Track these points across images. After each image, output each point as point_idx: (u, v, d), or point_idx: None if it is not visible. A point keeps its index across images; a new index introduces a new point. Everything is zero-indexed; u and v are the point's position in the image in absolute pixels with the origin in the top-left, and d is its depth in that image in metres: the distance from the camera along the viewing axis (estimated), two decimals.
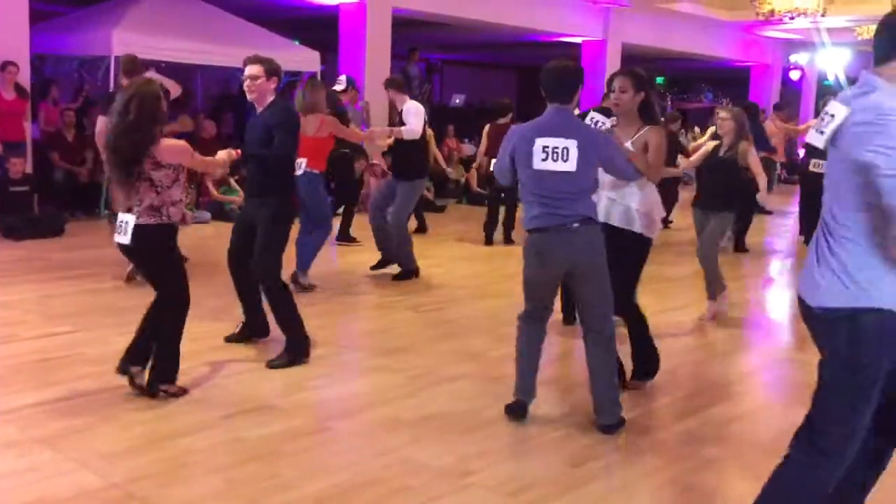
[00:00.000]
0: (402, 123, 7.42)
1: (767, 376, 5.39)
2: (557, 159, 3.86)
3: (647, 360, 4.71)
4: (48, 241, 8.47)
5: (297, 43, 12.75)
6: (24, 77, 9.24)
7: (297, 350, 4.97)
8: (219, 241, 9.31)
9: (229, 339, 5.32)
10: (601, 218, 4.22)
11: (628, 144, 4.34)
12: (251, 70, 5.00)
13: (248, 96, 5.09)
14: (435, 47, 19.93)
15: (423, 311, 6.40)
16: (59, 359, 4.88)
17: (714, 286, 6.30)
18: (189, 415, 4.12)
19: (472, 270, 8.03)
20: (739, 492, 3.62)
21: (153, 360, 4.33)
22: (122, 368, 4.32)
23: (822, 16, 14.86)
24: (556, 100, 3.99)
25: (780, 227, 11.71)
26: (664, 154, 4.41)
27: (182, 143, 4.34)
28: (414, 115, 7.28)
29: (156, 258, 4.33)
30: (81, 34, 10.56)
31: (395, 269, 7.43)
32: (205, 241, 8.99)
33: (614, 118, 4.42)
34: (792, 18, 15.16)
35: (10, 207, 8.78)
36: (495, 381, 4.70)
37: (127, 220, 4.17)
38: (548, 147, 3.88)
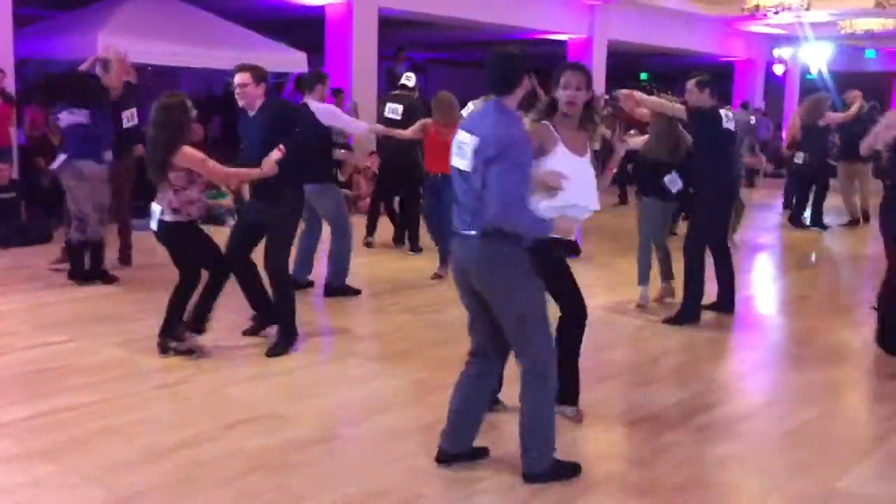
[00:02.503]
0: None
1: (769, 374, 5.38)
2: (463, 156, 3.38)
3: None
4: (36, 248, 8.33)
5: (282, 44, 12.65)
6: (9, 82, 9.11)
7: (289, 340, 5.25)
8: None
9: (247, 333, 5.50)
10: None
11: (585, 161, 3.85)
12: (240, 78, 5.20)
13: (240, 102, 5.27)
14: (420, 47, 19.87)
15: (420, 313, 6.35)
16: (55, 369, 4.80)
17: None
18: (191, 425, 4.05)
19: None
20: (757, 488, 3.60)
21: (162, 325, 5.00)
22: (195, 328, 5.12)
23: (806, 10, 14.95)
24: (490, 90, 3.45)
25: (767, 222, 11.74)
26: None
27: (198, 152, 4.86)
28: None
29: (175, 249, 5.01)
30: (66, 38, 10.43)
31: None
32: None
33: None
34: (776, 13, 15.25)
35: None
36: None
37: (154, 210, 4.92)
38: (461, 143, 3.41)
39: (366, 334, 5.89)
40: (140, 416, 4.14)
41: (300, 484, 3.50)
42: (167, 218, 4.88)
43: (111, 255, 7.27)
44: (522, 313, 3.40)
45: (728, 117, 6.02)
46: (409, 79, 8.97)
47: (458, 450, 3.67)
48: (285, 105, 5.78)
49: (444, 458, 3.67)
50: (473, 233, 3.36)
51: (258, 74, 5.22)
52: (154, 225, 4.96)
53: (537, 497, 3.42)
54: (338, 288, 6.72)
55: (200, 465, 3.63)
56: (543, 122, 3.84)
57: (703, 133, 5.94)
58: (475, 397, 3.64)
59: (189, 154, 4.82)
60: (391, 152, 8.67)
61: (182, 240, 4.98)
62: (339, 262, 6.75)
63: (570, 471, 3.59)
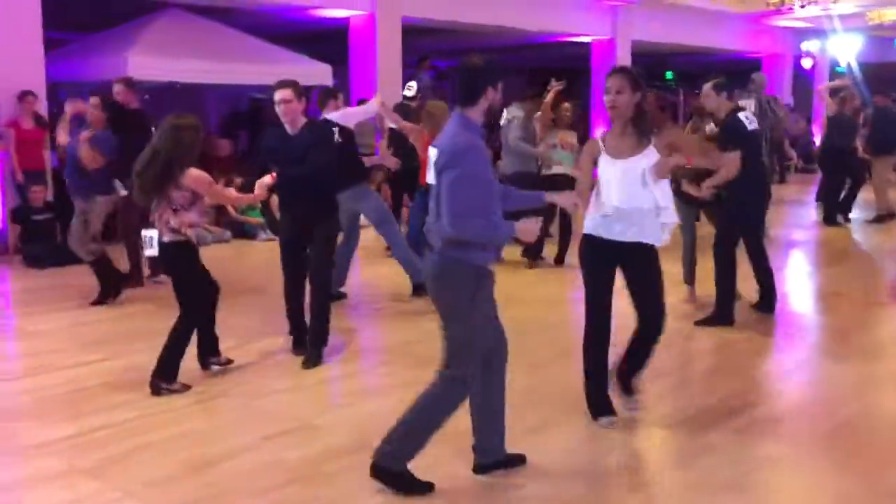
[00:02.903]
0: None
1: (808, 372, 5.30)
2: (430, 170, 3.39)
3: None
4: (71, 268, 8.45)
5: (307, 57, 12.76)
6: (41, 105, 9.28)
7: (321, 350, 5.26)
8: (239, 262, 9.37)
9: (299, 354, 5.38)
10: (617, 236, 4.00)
11: (627, 163, 3.96)
12: (283, 94, 5.15)
13: (284, 119, 5.22)
14: (444, 54, 19.91)
15: (404, 320, 6.33)
16: (95, 387, 4.86)
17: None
18: (229, 438, 4.09)
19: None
20: (800, 488, 3.55)
21: (157, 366, 4.74)
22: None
23: (834, 2, 14.76)
24: (456, 102, 3.39)
25: (801, 218, 11.59)
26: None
27: (206, 175, 4.73)
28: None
29: (176, 271, 4.83)
30: (96, 60, 10.60)
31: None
32: (224, 262, 8.97)
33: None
34: (803, 6, 15.08)
35: (33, 236, 8.80)
36: (531, 390, 4.64)
37: (152, 235, 4.77)
38: (431, 157, 3.41)
39: (395, 343, 5.90)
40: (178, 431, 4.18)
41: (336, 494, 3.52)
42: (166, 239, 4.71)
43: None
44: (455, 336, 3.38)
45: (749, 119, 5.98)
46: (409, 89, 8.93)
47: (490, 459, 3.64)
48: (329, 124, 5.90)
49: (480, 469, 3.64)
50: (435, 248, 3.37)
51: (299, 90, 5.21)
52: (154, 251, 4.86)
53: (579, 501, 3.40)
54: (418, 284, 6.67)
55: (238, 477, 3.66)
56: (594, 137, 4.06)
57: (731, 144, 5.88)
58: (485, 405, 3.60)
59: (197, 176, 4.66)
60: (400, 159, 8.65)
61: (181, 260, 4.78)
62: (409, 257, 6.75)
63: (416, 486, 3.45)
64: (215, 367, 5.05)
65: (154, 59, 10.14)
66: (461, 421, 4.18)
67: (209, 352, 5.06)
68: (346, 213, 6.45)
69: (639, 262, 4.09)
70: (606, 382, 4.21)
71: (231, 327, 5.56)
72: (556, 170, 7.91)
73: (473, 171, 3.24)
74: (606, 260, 4.11)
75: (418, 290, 6.67)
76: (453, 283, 3.34)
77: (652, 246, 4.09)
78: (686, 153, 3.99)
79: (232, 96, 15.42)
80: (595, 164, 4.14)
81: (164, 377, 4.71)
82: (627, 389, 4.31)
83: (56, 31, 11.49)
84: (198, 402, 4.62)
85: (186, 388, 4.73)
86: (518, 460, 3.72)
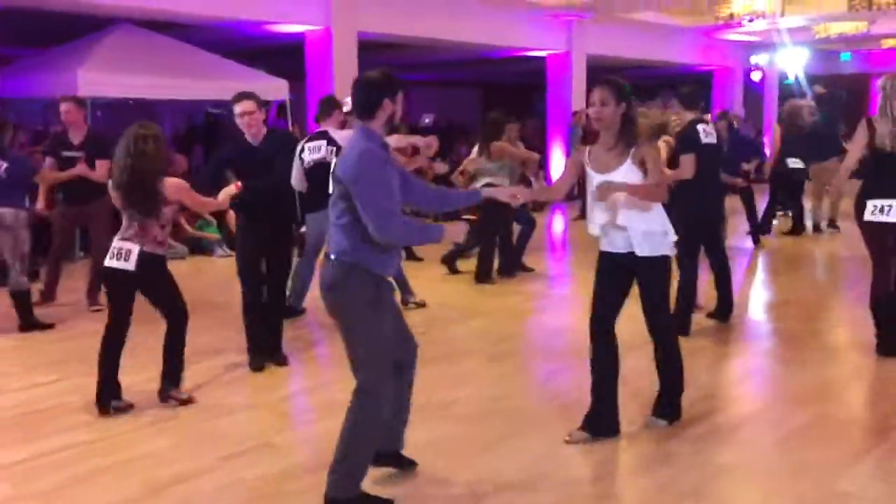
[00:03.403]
0: None
1: (763, 379, 5.39)
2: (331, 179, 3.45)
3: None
4: None
5: (263, 72, 12.69)
6: None
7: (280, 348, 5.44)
8: (198, 278, 9.24)
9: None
10: (609, 247, 4.06)
11: (607, 178, 3.96)
12: (246, 106, 5.15)
13: (248, 131, 5.21)
14: (400, 68, 19.96)
15: (413, 333, 6.31)
16: (47, 410, 4.75)
17: None
18: (186, 459, 4.02)
19: (456, 289, 7.97)
20: (758, 494, 3.60)
21: (164, 371, 4.75)
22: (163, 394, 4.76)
23: (781, 16, 15.11)
24: (355, 115, 3.50)
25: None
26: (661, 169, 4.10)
27: (182, 181, 4.72)
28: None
29: (157, 285, 4.72)
30: (46, 76, 10.41)
31: None
32: (181, 278, 8.80)
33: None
34: (751, 20, 15.41)
35: None
36: (492, 401, 4.65)
37: (129, 249, 4.53)
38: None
39: None
40: (134, 453, 4.10)
41: None
42: (150, 250, 4.58)
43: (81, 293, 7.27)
44: (360, 348, 3.41)
45: (706, 132, 6.07)
46: (346, 104, 8.82)
47: (388, 447, 3.71)
48: (289, 134, 6.00)
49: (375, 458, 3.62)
50: (332, 256, 3.40)
51: (259, 101, 5.24)
52: (131, 265, 4.54)
53: None
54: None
55: (197, 499, 3.60)
56: (580, 147, 4.13)
57: (685, 151, 5.97)
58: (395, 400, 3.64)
59: (175, 184, 4.64)
60: None
61: (164, 271, 4.74)
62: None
63: None
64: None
65: (106, 75, 10.00)
66: (424, 435, 4.18)
67: (173, 381, 4.85)
68: (321, 231, 6.43)
69: (643, 274, 4.10)
70: (605, 401, 4.14)
71: (188, 344, 5.47)
72: (483, 181, 7.93)
73: (379, 177, 3.30)
74: (615, 273, 4.12)
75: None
76: (351, 290, 3.36)
77: (659, 258, 4.06)
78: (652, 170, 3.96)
79: (187, 112, 15.27)
80: (581, 172, 4.19)
81: (174, 383, 4.77)
82: (660, 414, 4.32)
83: (4, 48, 11.29)
84: (154, 422, 4.54)
85: (191, 399, 4.77)
86: (410, 464, 3.79)
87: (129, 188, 4.53)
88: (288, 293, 6.38)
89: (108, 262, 4.59)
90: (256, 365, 5.33)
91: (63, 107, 7.23)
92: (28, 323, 6.55)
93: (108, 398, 4.62)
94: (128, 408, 4.66)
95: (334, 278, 3.38)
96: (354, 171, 3.28)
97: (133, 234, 4.57)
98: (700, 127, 6.05)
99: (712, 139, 6.08)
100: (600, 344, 4.15)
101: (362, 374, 3.41)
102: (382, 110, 3.39)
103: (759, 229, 10.39)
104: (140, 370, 5.08)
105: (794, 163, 10.72)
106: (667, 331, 4.29)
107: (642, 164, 3.98)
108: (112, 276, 4.62)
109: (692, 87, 6.33)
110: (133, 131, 4.57)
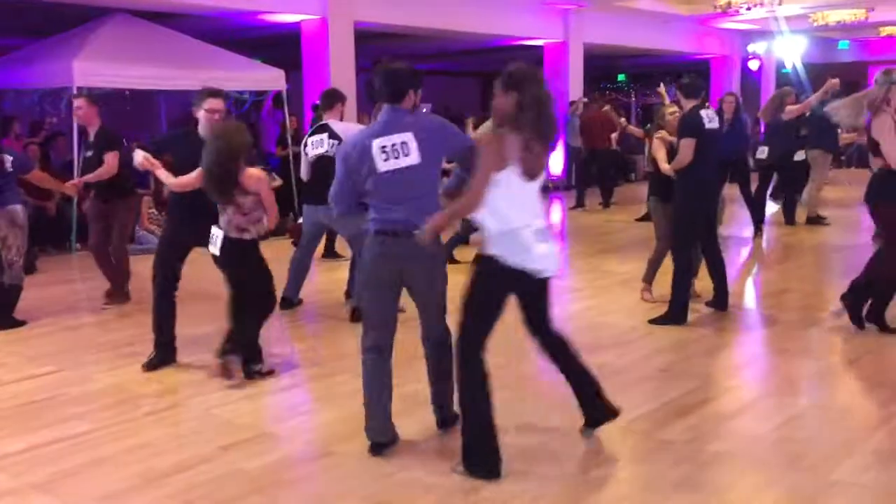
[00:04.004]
0: None
1: (758, 368, 5.41)
2: (399, 156, 3.69)
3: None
4: None
5: (260, 62, 12.66)
6: None
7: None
8: (195, 268, 9.21)
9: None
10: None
11: None
12: (216, 104, 5.10)
13: (206, 127, 5.05)
14: (397, 58, 19.89)
15: (409, 326, 6.31)
16: (45, 401, 4.76)
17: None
18: (185, 449, 4.04)
19: (451, 281, 7.96)
20: (752, 484, 3.62)
21: (243, 351, 4.98)
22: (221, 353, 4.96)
23: (779, 4, 15.06)
24: (385, 100, 3.82)
25: (747, 216, 11.79)
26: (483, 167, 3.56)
27: (262, 173, 4.94)
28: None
29: (241, 268, 4.95)
30: (41, 67, 10.37)
31: None
32: None
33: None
34: (749, 9, 15.36)
35: None
36: None
37: (216, 234, 4.88)
38: (385, 146, 3.70)
39: (352, 349, 5.83)
40: (133, 444, 4.12)
41: (296, 502, 3.49)
42: (234, 236, 4.85)
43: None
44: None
45: (709, 117, 6.10)
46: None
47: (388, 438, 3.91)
48: (326, 130, 6.37)
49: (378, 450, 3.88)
50: (417, 232, 3.69)
51: (226, 101, 5.28)
52: (216, 249, 4.89)
53: (537, 503, 3.43)
54: None
55: (196, 489, 3.62)
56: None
57: (685, 134, 5.99)
58: (382, 382, 3.94)
59: (255, 175, 4.84)
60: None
61: (247, 257, 4.93)
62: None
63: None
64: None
65: (101, 65, 9.97)
66: (421, 426, 4.20)
67: (255, 358, 5.09)
68: (314, 223, 6.43)
69: None
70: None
71: (186, 335, 5.49)
72: None
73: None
74: None
75: (356, 313, 6.42)
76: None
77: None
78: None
79: (183, 102, 15.20)
80: None
81: (254, 359, 5.01)
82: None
83: None
84: (152, 412, 4.56)
85: (272, 372, 5.07)
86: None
87: (205, 175, 4.78)
88: (285, 284, 6.38)
89: (209, 247, 4.99)
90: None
91: (76, 103, 7.18)
92: (5, 320, 6.41)
93: (251, 365, 5.02)
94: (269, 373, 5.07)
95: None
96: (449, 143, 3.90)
97: (223, 221, 4.86)
98: (703, 112, 6.08)
99: (714, 124, 6.11)
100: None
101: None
102: (408, 99, 3.81)
103: (762, 218, 10.44)
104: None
105: (762, 153, 10.69)
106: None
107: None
108: (214, 259, 5.01)
109: (692, 76, 6.35)
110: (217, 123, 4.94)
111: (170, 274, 5.27)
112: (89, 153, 7.12)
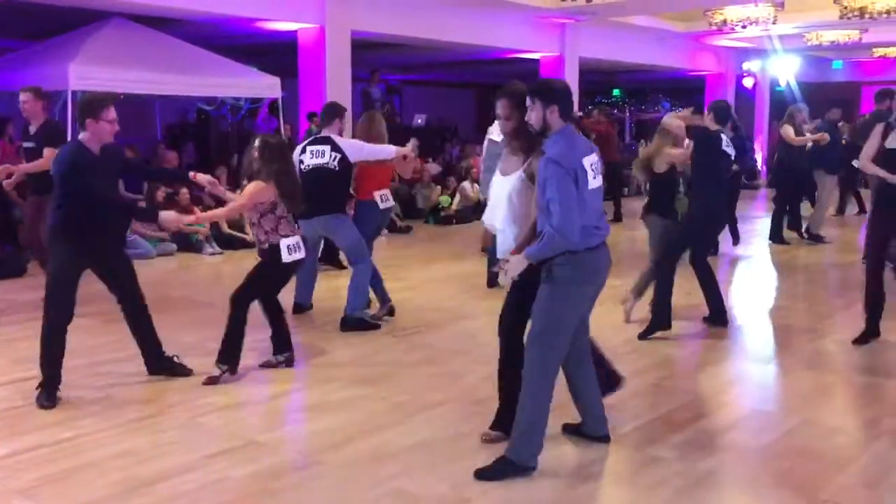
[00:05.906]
0: None
1: (749, 385, 5.39)
2: (596, 175, 3.80)
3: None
4: (9, 281, 8.23)
5: (256, 69, 12.65)
6: None
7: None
8: (185, 275, 9.23)
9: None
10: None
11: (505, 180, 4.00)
12: (113, 114, 4.77)
13: (110, 137, 4.83)
14: (393, 68, 19.94)
15: (401, 335, 6.31)
16: (29, 405, 4.70)
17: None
18: (170, 456, 3.99)
19: (445, 292, 7.96)
20: (740, 502, 3.60)
21: (278, 344, 5.41)
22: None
23: (773, 23, 15.14)
24: (569, 118, 3.81)
25: (746, 233, 11.81)
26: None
27: (252, 188, 5.14)
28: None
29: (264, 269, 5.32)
30: (36, 69, 10.33)
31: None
32: (168, 275, 8.83)
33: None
34: (744, 27, 15.43)
35: None
36: (478, 404, 4.63)
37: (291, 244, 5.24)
38: (593, 164, 3.79)
39: (345, 358, 5.83)
40: (117, 450, 4.07)
41: None
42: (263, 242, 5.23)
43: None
44: None
45: (727, 142, 6.27)
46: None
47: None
48: (326, 142, 6.36)
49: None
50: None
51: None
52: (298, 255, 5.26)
53: None
54: (357, 320, 6.42)
55: (181, 497, 3.57)
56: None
57: (702, 152, 6.12)
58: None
59: (249, 191, 5.15)
60: None
61: (260, 268, 5.26)
62: (361, 292, 6.45)
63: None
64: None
65: (97, 68, 9.94)
66: (411, 437, 4.16)
67: (282, 349, 5.42)
68: (314, 234, 6.42)
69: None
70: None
71: (174, 342, 5.45)
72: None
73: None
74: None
75: (345, 323, 6.40)
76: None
77: None
78: None
79: (178, 108, 15.20)
80: None
81: (281, 351, 5.38)
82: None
83: None
84: (138, 419, 4.51)
85: (291, 361, 5.39)
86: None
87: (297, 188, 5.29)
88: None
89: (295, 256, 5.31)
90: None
91: (21, 97, 7.20)
92: None
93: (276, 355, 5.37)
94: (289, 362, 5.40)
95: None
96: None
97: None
98: (724, 136, 6.26)
99: (730, 151, 6.31)
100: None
101: None
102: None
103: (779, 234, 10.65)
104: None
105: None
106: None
107: (531, 178, 3.88)
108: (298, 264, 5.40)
109: (724, 103, 6.54)
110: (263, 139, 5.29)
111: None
112: (29, 144, 7.16)
